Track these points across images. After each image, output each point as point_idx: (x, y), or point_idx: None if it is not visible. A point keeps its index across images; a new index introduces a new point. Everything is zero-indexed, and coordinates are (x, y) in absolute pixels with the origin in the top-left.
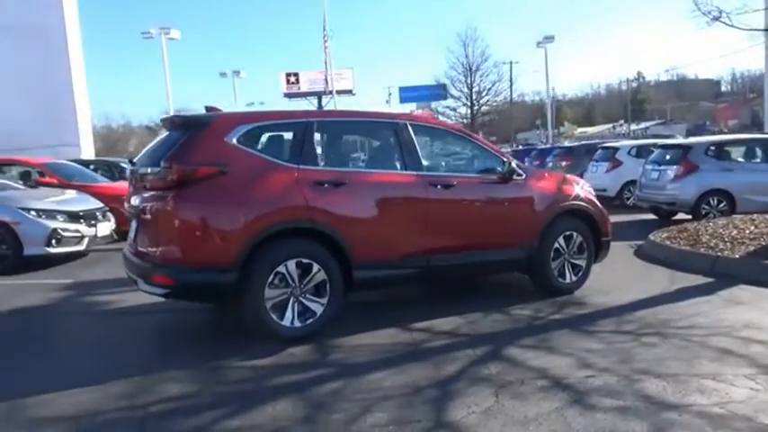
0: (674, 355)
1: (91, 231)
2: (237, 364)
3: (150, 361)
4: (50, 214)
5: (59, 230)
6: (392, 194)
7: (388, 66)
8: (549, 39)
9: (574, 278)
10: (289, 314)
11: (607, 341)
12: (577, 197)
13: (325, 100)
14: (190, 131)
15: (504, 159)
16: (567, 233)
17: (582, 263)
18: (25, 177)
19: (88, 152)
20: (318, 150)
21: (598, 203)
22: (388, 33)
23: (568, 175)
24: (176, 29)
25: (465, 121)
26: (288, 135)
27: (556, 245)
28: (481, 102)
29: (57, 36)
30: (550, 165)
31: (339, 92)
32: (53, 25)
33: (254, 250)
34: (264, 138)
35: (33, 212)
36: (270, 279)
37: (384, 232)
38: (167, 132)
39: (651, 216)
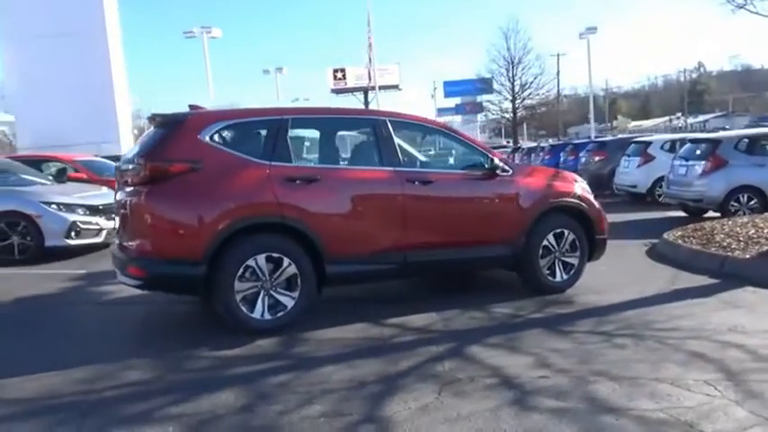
0: (640, 358)
1: (110, 224)
2: (204, 353)
3: (124, 348)
4: (71, 208)
5: (78, 223)
6: (366, 191)
7: (434, 60)
8: (592, 30)
9: (565, 276)
10: (259, 307)
11: (577, 341)
12: (568, 194)
13: (371, 95)
14: (167, 129)
15: (489, 156)
16: (558, 231)
17: (574, 261)
18: (61, 173)
19: (128, 148)
20: (291, 147)
21: (594, 201)
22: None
23: (563, 172)
24: (218, 27)
25: (507, 115)
26: (262, 132)
27: (545, 242)
28: (523, 95)
29: (98, 39)
30: (583, 160)
31: (385, 87)
32: (94, 29)
33: (223, 244)
34: (238, 135)
35: (54, 206)
36: (240, 272)
37: (357, 228)
38: (152, 130)
39: (682, 214)
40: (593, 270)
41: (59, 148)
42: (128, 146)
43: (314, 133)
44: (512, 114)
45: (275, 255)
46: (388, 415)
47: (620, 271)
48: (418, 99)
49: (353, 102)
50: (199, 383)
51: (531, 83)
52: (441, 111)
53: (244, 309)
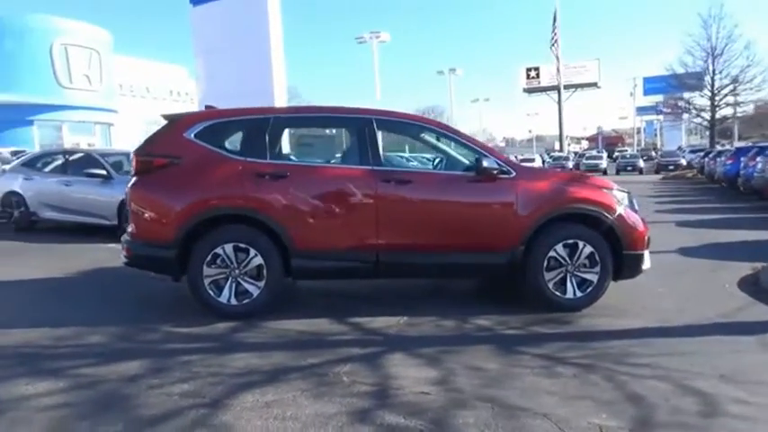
0: (558, 390)
1: None
2: (164, 328)
3: (113, 316)
4: None
5: None
6: (335, 188)
7: (636, 55)
8: None
9: (579, 294)
10: (226, 292)
11: (511, 364)
12: (586, 200)
13: (566, 94)
14: (162, 127)
15: (486, 157)
16: (570, 241)
17: (592, 278)
18: None
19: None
20: (268, 144)
21: (629, 212)
22: (636, 20)
23: (591, 177)
24: (386, 32)
25: (705, 114)
26: (243, 130)
27: (552, 253)
28: (724, 92)
29: (261, 51)
30: (759, 166)
31: (581, 85)
32: (259, 42)
33: (193, 231)
34: (221, 133)
35: None
36: (208, 258)
37: (325, 224)
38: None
39: None
40: (642, 290)
41: None
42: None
43: (295, 131)
44: (710, 114)
45: (242, 245)
46: (232, 403)
47: (678, 296)
48: (618, 97)
49: (546, 101)
50: (126, 352)
51: (737, 76)
52: (640, 110)
53: (212, 292)
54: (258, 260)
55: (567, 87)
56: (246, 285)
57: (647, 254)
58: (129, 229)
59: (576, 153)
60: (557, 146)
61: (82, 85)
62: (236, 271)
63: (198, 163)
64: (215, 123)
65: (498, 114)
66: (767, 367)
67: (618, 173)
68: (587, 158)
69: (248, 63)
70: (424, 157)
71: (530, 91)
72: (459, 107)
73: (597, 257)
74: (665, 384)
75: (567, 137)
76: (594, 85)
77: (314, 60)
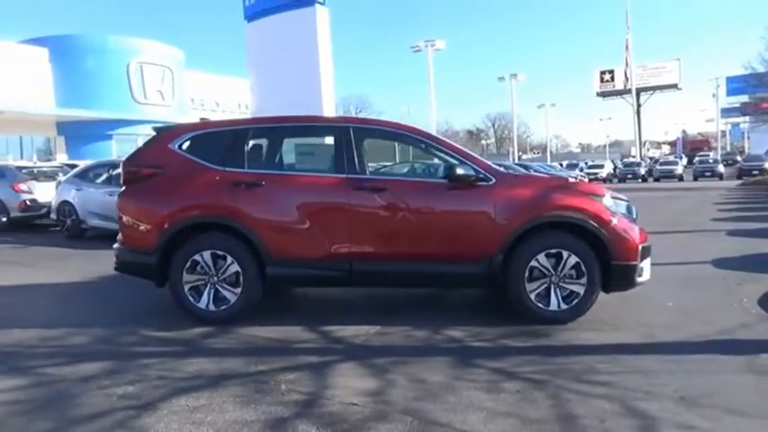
0: (492, 407)
1: None
2: (143, 332)
3: (102, 319)
4: None
5: None
6: (308, 197)
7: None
8: None
9: (564, 306)
10: (205, 298)
11: (458, 377)
12: (569, 208)
13: (644, 97)
14: (150, 139)
15: (464, 163)
16: (554, 251)
17: (578, 289)
18: None
19: None
20: (247, 154)
21: (613, 218)
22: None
23: (579, 183)
24: (441, 39)
25: None
26: (224, 141)
27: (534, 263)
28: None
29: (311, 64)
30: None
31: (661, 87)
32: (308, 55)
33: (173, 238)
34: (203, 144)
35: None
36: (187, 265)
37: (299, 232)
38: None
39: None
40: (647, 303)
41: None
42: None
43: (274, 141)
44: None
45: (219, 252)
46: (162, 406)
47: (683, 310)
48: (699, 99)
49: (623, 104)
50: (97, 353)
51: None
52: (725, 112)
53: (191, 298)
54: (235, 267)
55: (644, 90)
56: (224, 292)
57: (645, 265)
58: (118, 236)
59: (651, 159)
60: (633, 151)
61: (156, 100)
62: (215, 278)
63: (180, 173)
64: (198, 135)
65: (572, 120)
66: (738, 390)
67: (695, 179)
68: (661, 164)
69: (297, 75)
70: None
71: (604, 95)
72: (528, 114)
73: (583, 268)
74: (612, 405)
75: (645, 142)
76: (675, 86)
77: (385, 70)
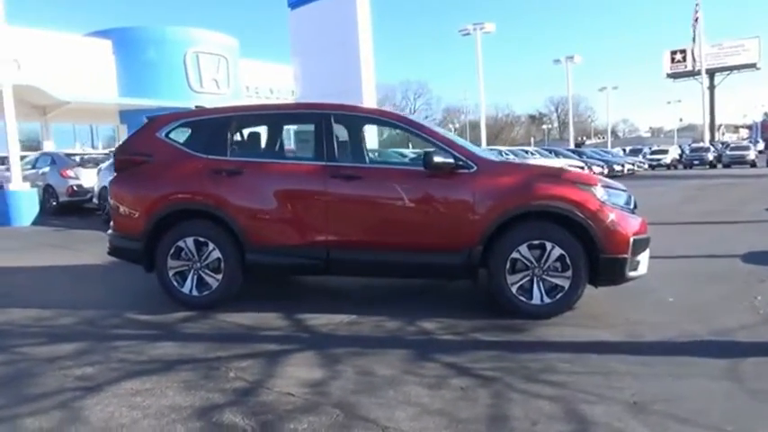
0: (426, 403)
1: None
2: (129, 315)
3: (94, 302)
4: None
5: None
6: (286, 184)
7: None
8: None
9: (547, 300)
10: (188, 283)
11: (413, 371)
12: (553, 197)
13: (719, 78)
14: (139, 127)
15: (445, 150)
16: (536, 242)
17: (563, 283)
18: None
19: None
20: (229, 142)
21: (601, 209)
22: None
23: (566, 171)
24: (491, 22)
25: None
26: (209, 129)
27: (515, 254)
28: None
29: (351, 51)
30: None
31: (738, 67)
32: (349, 43)
33: (158, 225)
34: (189, 132)
35: None
36: (172, 251)
37: (277, 220)
38: None
39: None
40: (647, 298)
41: None
42: (371, 143)
43: (257, 129)
44: None
45: (202, 239)
46: (109, 389)
47: (682, 307)
48: None
49: (695, 87)
50: (76, 334)
51: None
52: None
53: (176, 283)
54: (216, 254)
55: (719, 70)
56: (207, 278)
57: (642, 258)
58: (111, 222)
59: (722, 143)
60: (707, 135)
61: (211, 88)
62: (198, 264)
63: (166, 161)
64: (184, 123)
65: (641, 103)
66: (702, 397)
67: None
68: (732, 149)
69: (338, 62)
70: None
71: (675, 76)
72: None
73: (568, 261)
74: (554, 407)
75: (720, 125)
76: (753, 66)
77: (444, 56)
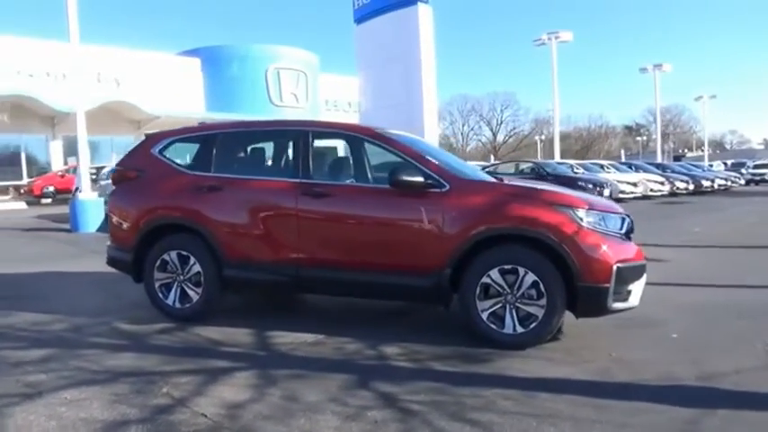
0: (327, 426)
1: None
2: (115, 324)
3: (91, 307)
4: None
5: None
6: (259, 201)
7: None
8: None
9: (520, 329)
10: (172, 295)
11: (339, 400)
12: (524, 219)
13: None
14: (139, 143)
15: (419, 167)
16: (508, 266)
17: (537, 312)
18: None
19: None
20: (213, 159)
21: (579, 233)
22: None
23: (541, 190)
24: (567, 31)
25: None
26: (196, 146)
27: (486, 279)
28: None
29: (412, 63)
30: None
31: None
32: (411, 55)
33: (145, 238)
34: (179, 149)
35: None
36: (158, 263)
37: (252, 236)
38: None
39: None
40: (649, 333)
41: None
42: None
43: (238, 146)
44: None
45: (184, 253)
46: (46, 398)
47: (680, 346)
48: None
49: None
50: (55, 340)
51: None
52: None
53: (161, 294)
54: (197, 268)
55: None
56: (189, 291)
57: (633, 288)
58: (109, 233)
59: None
60: None
61: (290, 102)
62: (181, 277)
63: (156, 176)
64: (174, 140)
65: (754, 113)
66: None
67: None
68: None
69: (401, 75)
70: None
71: None
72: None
73: (542, 288)
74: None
75: None
76: None
77: (531, 66)
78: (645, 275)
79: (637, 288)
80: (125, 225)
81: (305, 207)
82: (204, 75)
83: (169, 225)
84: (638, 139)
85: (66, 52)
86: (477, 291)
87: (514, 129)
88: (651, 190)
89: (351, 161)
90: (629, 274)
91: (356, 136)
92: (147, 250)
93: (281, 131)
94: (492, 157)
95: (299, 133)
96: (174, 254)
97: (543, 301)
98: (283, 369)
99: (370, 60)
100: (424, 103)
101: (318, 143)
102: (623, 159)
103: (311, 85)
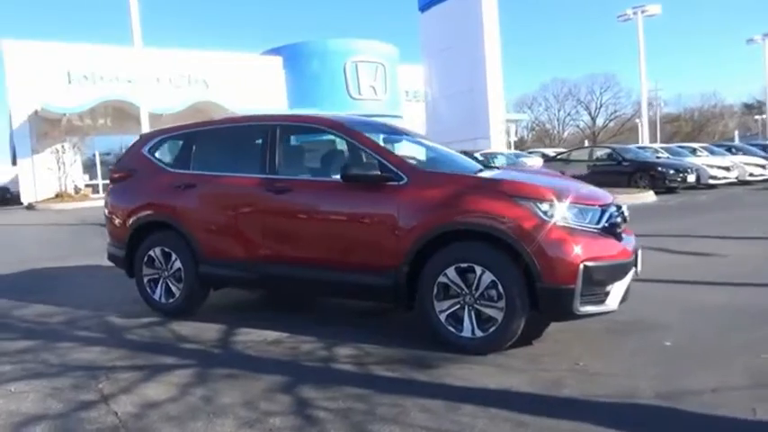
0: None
1: None
2: (109, 318)
3: (96, 301)
4: None
5: None
6: (230, 198)
7: None
8: None
9: (479, 333)
10: (158, 290)
11: (252, 402)
12: (478, 213)
13: None
14: (133, 143)
15: (378, 159)
16: (464, 265)
17: (496, 315)
18: None
19: (497, 144)
20: (192, 156)
21: (539, 228)
22: None
23: (503, 181)
24: (655, 5)
25: None
26: (178, 144)
27: (443, 278)
28: None
29: (476, 50)
30: None
31: None
32: (473, 41)
33: (134, 235)
34: (166, 147)
35: None
36: (146, 259)
37: (223, 233)
38: None
39: None
40: (642, 339)
41: (454, 144)
42: (497, 142)
43: (213, 143)
44: None
45: (166, 249)
46: None
47: (671, 356)
48: None
49: None
50: (45, 332)
51: None
52: None
53: (149, 289)
54: (178, 264)
55: None
56: (172, 287)
57: (612, 290)
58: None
59: None
60: None
61: (369, 95)
62: (165, 273)
63: (145, 175)
64: (162, 139)
65: None
66: None
67: None
68: None
69: (464, 62)
70: None
71: None
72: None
73: (500, 289)
74: None
75: None
76: None
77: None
78: (630, 275)
79: (617, 290)
80: (118, 222)
81: (268, 203)
82: (286, 72)
83: (153, 222)
84: (757, 117)
85: (159, 59)
86: (435, 290)
87: (615, 112)
88: (751, 174)
89: (318, 155)
90: (603, 273)
91: (321, 128)
92: (136, 247)
93: (252, 127)
94: (585, 142)
95: (267, 128)
96: (158, 250)
97: (502, 304)
98: (224, 368)
99: (434, 48)
100: (489, 91)
101: (288, 137)
102: (737, 141)
103: (390, 77)
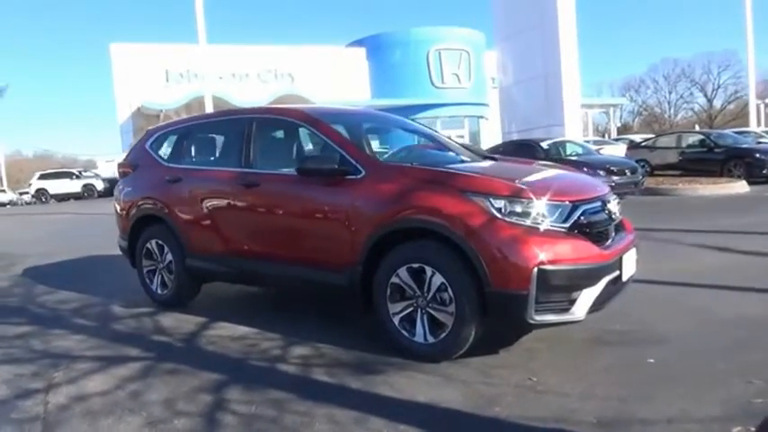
0: None
1: None
2: (115, 306)
3: (107, 290)
4: None
5: None
6: (209, 192)
7: None
8: None
9: (431, 339)
10: (156, 282)
11: (173, 402)
12: (424, 209)
13: None
14: (140, 138)
15: (338, 151)
16: (415, 265)
17: (446, 320)
18: None
19: (573, 133)
20: (184, 150)
21: (487, 227)
22: None
23: (459, 174)
24: None
25: None
26: (174, 138)
27: (395, 279)
28: None
29: (551, 33)
30: None
31: None
32: (549, 24)
33: (135, 227)
34: (165, 142)
35: None
36: (144, 251)
37: (204, 227)
38: None
39: None
40: (624, 353)
41: (525, 132)
42: (573, 130)
43: (201, 137)
44: None
45: (160, 242)
46: None
47: (643, 378)
48: None
49: None
50: (49, 319)
51: None
52: None
53: (147, 280)
54: (170, 257)
55: None
56: (166, 278)
57: (580, 297)
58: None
59: None
60: None
61: (452, 83)
62: (161, 265)
63: (145, 169)
64: (163, 133)
65: None
66: None
67: None
68: None
69: (537, 46)
70: None
71: None
72: None
73: (450, 292)
74: None
75: None
76: None
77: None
78: (603, 281)
79: (586, 297)
80: (123, 215)
81: (240, 197)
82: (369, 63)
83: (149, 215)
84: None
85: (248, 55)
86: (389, 291)
87: (736, 92)
88: None
89: (287, 148)
90: (565, 278)
91: (290, 121)
92: (136, 238)
93: (233, 120)
94: (696, 126)
95: (245, 121)
96: (153, 243)
97: (452, 308)
98: (172, 363)
99: (507, 31)
100: (563, 75)
101: (262, 130)
102: None
103: (474, 64)
